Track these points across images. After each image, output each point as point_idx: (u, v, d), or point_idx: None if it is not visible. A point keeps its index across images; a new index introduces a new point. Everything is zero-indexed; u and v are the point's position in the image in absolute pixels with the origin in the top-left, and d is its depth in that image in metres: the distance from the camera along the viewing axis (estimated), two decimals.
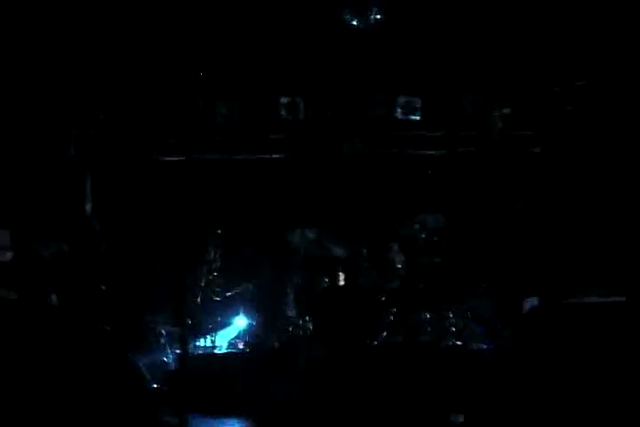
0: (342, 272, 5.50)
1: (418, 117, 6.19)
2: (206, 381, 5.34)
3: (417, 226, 5.72)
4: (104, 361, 3.74)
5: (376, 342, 5.30)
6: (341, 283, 5.57)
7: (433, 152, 6.21)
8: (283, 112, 6.04)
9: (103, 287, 5.03)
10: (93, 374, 3.55)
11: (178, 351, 5.65)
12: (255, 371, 5.33)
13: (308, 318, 5.66)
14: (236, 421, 5.10)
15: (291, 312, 5.80)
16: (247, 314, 6.05)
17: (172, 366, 5.56)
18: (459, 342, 5.44)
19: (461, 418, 4.12)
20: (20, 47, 5.11)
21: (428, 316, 5.55)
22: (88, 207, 4.96)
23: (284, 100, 6.08)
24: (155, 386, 5.30)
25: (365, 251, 5.82)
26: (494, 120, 5.70)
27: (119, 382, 3.75)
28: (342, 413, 4.67)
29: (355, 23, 5.58)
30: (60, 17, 5.19)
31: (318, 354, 4.92)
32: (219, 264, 6.11)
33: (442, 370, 4.93)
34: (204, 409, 5.13)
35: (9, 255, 3.70)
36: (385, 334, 5.50)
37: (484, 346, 5.32)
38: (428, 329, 5.54)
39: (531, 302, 5.05)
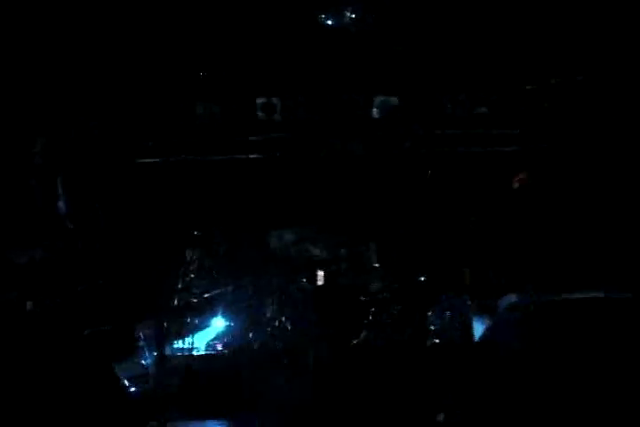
0: (322, 273, 5.51)
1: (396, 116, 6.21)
2: (188, 382, 5.34)
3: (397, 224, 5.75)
4: (80, 368, 3.72)
5: (356, 342, 5.32)
6: (321, 283, 5.59)
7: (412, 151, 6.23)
8: (260, 113, 6.05)
9: (80, 289, 4.99)
10: (68, 380, 3.52)
11: (155, 354, 5.63)
12: (238, 372, 5.33)
13: (286, 319, 5.67)
14: (217, 423, 5.09)
15: (270, 313, 5.81)
16: (225, 316, 6.06)
17: (151, 369, 5.54)
18: (437, 341, 5.46)
19: (442, 416, 4.16)
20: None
21: (409, 315, 5.58)
22: (62, 208, 4.91)
23: (260, 100, 6.08)
24: (133, 390, 5.29)
25: (345, 251, 5.84)
26: None
27: (96, 388, 3.72)
28: (327, 411, 4.69)
29: (330, 22, 5.60)
30: (38, 20, 5.16)
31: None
32: (196, 266, 6.10)
33: (425, 369, 4.95)
34: (187, 411, 5.12)
35: None
36: (365, 334, 5.51)
37: (464, 344, 5.34)
38: (410, 329, 5.56)
39: (508, 299, 5.09)
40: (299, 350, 5.12)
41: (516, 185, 5.67)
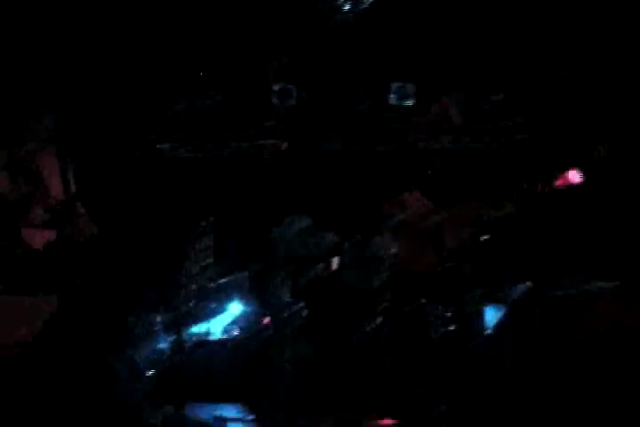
0: (325, 267, 5.53)
1: (411, 103, 6.18)
2: (203, 366, 5.41)
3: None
4: (96, 353, 3.79)
5: (363, 337, 5.35)
6: (323, 277, 5.61)
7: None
8: (274, 100, 6.05)
9: (95, 273, 5.05)
10: (84, 365, 3.59)
11: (171, 339, 5.70)
12: (252, 357, 5.39)
13: (300, 305, 5.71)
14: (233, 407, 5.17)
15: (281, 300, 5.85)
16: (242, 301, 6.11)
17: (167, 354, 5.62)
18: (446, 332, 5.47)
19: (445, 409, 4.19)
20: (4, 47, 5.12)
21: (415, 308, 5.58)
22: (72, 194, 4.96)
23: (276, 87, 6.08)
24: (149, 375, 5.37)
25: (349, 244, 5.85)
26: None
27: (112, 373, 3.79)
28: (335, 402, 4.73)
29: (342, 11, 5.57)
30: (40, 16, 5.18)
31: (304, 353, 4.98)
32: (212, 252, 6.15)
33: (433, 362, 4.97)
34: (202, 396, 5.20)
35: None
36: (371, 328, 5.54)
37: (475, 335, 5.35)
38: (416, 322, 5.57)
39: (519, 290, 5.08)
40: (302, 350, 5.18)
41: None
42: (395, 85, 6.20)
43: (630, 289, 2.73)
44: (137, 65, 5.65)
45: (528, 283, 4.61)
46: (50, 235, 4.12)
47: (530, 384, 2.43)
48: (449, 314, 5.26)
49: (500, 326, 3.16)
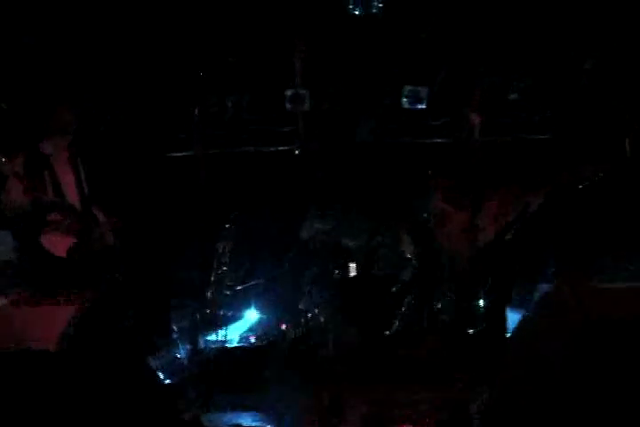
0: (355, 263, 5.49)
1: (424, 106, 6.16)
2: (223, 374, 5.36)
3: (427, 215, 5.71)
4: (116, 360, 3.73)
5: (390, 332, 5.30)
6: (354, 274, 5.58)
7: (441, 140, 6.18)
8: (289, 104, 6.03)
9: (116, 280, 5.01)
10: (103, 373, 3.53)
11: (189, 346, 5.66)
12: (274, 363, 5.35)
13: (320, 310, 5.67)
14: (250, 415, 5.11)
15: (304, 304, 5.82)
16: (259, 308, 6.07)
17: (185, 362, 5.57)
18: (474, 329, 5.43)
19: (475, 407, 4.13)
20: (28, 49, 5.11)
21: (443, 304, 5.54)
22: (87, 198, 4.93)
23: (290, 92, 6.06)
24: (168, 383, 5.32)
25: (377, 241, 5.81)
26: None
27: (131, 381, 3.74)
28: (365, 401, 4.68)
29: (358, 12, 5.56)
30: (65, 16, 5.18)
31: (350, 341, 4.93)
32: (229, 258, 6.11)
33: (462, 357, 4.92)
34: (220, 403, 5.14)
35: (14, 254, 3.69)
36: (399, 322, 5.50)
37: (498, 334, 5.31)
38: (444, 317, 5.53)
39: (542, 289, 5.02)
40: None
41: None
42: (407, 89, 6.17)
43: None
44: (156, 70, 5.65)
45: (549, 284, 4.56)
46: (71, 241, 4.09)
47: (560, 382, 2.36)
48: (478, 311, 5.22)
49: (526, 324, 3.09)
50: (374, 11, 5.75)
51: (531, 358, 2.52)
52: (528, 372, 2.50)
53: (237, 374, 5.37)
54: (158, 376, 5.21)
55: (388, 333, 5.33)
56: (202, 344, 5.70)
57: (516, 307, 5.31)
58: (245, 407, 5.08)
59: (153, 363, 5.21)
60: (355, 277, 5.71)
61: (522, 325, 3.01)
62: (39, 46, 5.30)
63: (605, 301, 2.45)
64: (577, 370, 2.36)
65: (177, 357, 5.56)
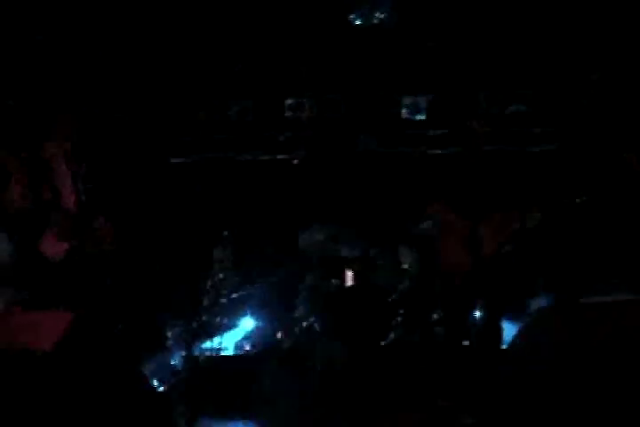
0: (353, 273, 5.48)
1: (423, 117, 6.16)
2: (217, 382, 5.33)
3: (426, 225, 5.68)
4: (108, 367, 3.71)
5: (385, 343, 5.28)
6: (351, 283, 5.56)
7: (440, 151, 6.17)
8: (290, 112, 6.04)
9: (109, 285, 4.98)
10: (95, 380, 3.51)
11: (183, 354, 5.63)
12: (268, 372, 5.32)
13: (316, 319, 5.65)
14: (243, 424, 5.09)
15: (299, 313, 5.80)
16: (254, 315, 6.05)
17: (180, 369, 5.54)
18: (468, 342, 5.40)
19: (470, 419, 4.11)
20: (36, 47, 5.10)
21: (439, 316, 5.52)
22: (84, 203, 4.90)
23: (291, 100, 6.08)
24: (162, 391, 5.29)
25: (375, 252, 5.80)
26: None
27: (124, 389, 3.71)
28: (357, 411, 4.65)
29: (359, 22, 5.57)
30: (69, 15, 5.17)
31: (337, 355, 4.90)
32: (225, 266, 6.10)
33: (454, 369, 4.90)
34: (216, 411, 5.12)
35: (10, 257, 3.66)
36: (394, 334, 5.47)
37: (494, 347, 5.28)
38: (439, 329, 5.51)
39: (537, 303, 5.01)
40: (335, 352, 5.10)
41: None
42: (406, 100, 6.17)
43: None
44: (157, 76, 5.64)
45: (546, 297, 4.55)
46: (68, 246, 4.05)
47: (554, 394, 2.35)
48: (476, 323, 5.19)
49: (522, 336, 3.06)
50: (375, 22, 5.77)
51: (521, 375, 2.50)
52: (519, 389, 2.49)
53: (231, 383, 5.35)
54: (151, 383, 5.18)
55: (382, 343, 5.31)
56: (196, 352, 5.67)
57: (510, 319, 5.30)
58: (239, 416, 5.06)
59: (146, 370, 5.18)
60: (351, 286, 5.70)
61: (515, 340, 2.98)
62: (47, 45, 5.28)
63: (591, 316, 2.44)
64: (566, 387, 2.35)
65: (171, 364, 5.53)
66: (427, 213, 5.20)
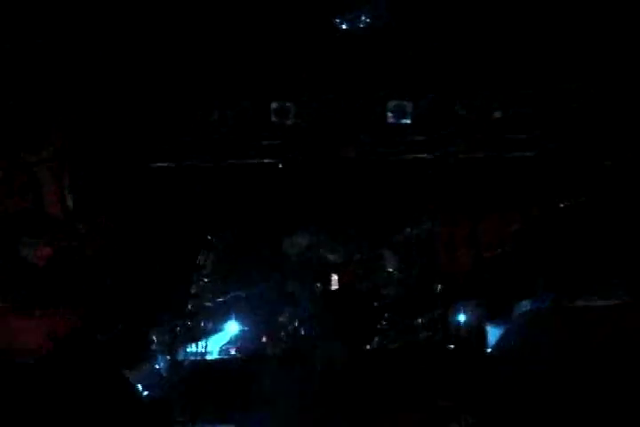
0: (336, 277, 5.49)
1: (408, 121, 6.15)
2: (200, 387, 5.33)
3: (410, 231, 5.73)
4: (92, 373, 3.70)
5: (370, 347, 5.30)
6: (335, 288, 5.58)
7: (426, 155, 6.18)
8: (274, 118, 6.03)
9: (89, 292, 4.95)
10: (80, 386, 3.50)
11: (168, 358, 5.62)
12: (250, 376, 5.32)
13: (300, 324, 5.67)
14: None
15: (284, 318, 5.81)
16: (239, 320, 6.04)
17: (165, 374, 5.53)
18: (453, 346, 5.43)
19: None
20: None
21: (423, 320, 5.55)
22: (70, 209, 4.89)
23: (275, 105, 6.06)
24: (146, 396, 5.27)
25: (359, 257, 5.82)
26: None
27: (109, 394, 3.70)
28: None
29: (345, 27, 5.58)
30: (58, 20, 5.16)
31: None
32: (210, 270, 6.10)
33: (440, 373, 4.92)
34: (199, 416, 5.11)
35: None
36: (379, 338, 5.50)
37: (478, 350, 5.31)
38: (424, 333, 5.53)
39: (522, 305, 5.03)
40: (306, 354, 5.11)
41: None
42: (392, 103, 6.16)
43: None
44: (146, 80, 5.64)
45: (530, 300, 4.56)
46: (49, 251, 4.04)
47: (539, 397, 2.37)
48: (460, 326, 5.22)
49: (505, 340, 3.08)
50: (361, 26, 5.78)
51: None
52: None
53: (218, 387, 5.34)
54: (138, 389, 5.16)
55: (367, 348, 5.34)
56: (181, 356, 5.66)
57: (494, 322, 5.31)
58: (227, 421, 5.06)
59: (131, 376, 5.16)
60: (336, 290, 5.72)
61: (501, 340, 3.00)
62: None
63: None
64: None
65: (156, 369, 5.51)
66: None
